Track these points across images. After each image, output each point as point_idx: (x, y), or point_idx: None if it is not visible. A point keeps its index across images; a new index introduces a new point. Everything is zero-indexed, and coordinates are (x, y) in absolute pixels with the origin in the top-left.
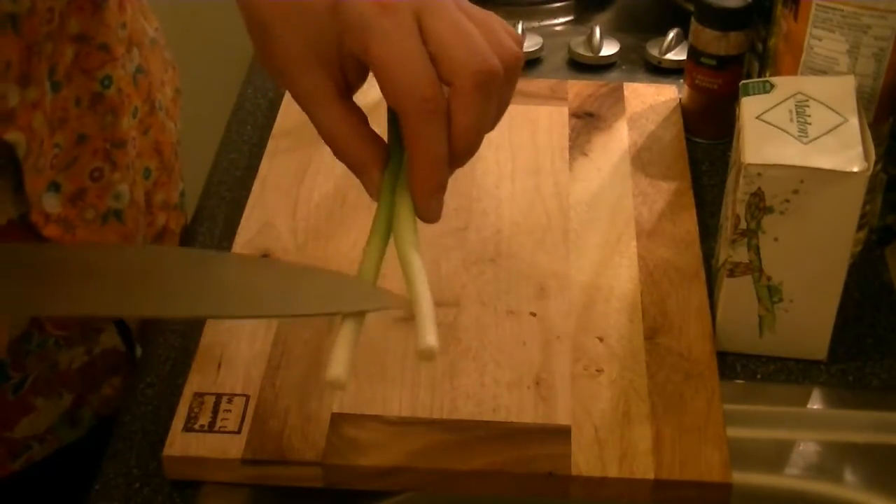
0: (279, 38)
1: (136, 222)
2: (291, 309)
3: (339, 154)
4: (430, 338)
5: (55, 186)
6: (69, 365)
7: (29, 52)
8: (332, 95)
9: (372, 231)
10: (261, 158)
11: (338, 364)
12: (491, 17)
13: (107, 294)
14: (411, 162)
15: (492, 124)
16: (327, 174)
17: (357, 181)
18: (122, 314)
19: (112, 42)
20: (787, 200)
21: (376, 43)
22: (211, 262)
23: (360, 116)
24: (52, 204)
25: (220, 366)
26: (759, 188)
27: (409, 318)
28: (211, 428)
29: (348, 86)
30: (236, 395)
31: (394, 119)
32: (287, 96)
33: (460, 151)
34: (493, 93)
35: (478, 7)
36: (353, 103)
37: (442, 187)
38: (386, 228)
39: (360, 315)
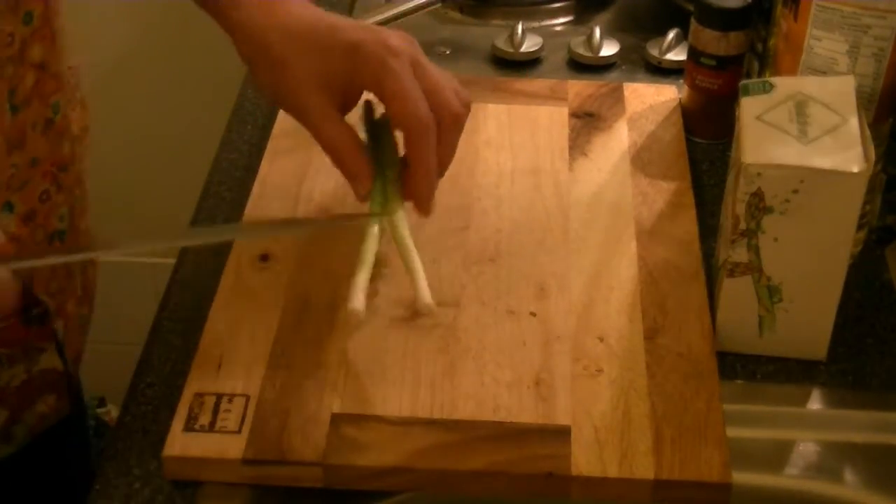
0: (294, 71)
1: (76, 243)
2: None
3: (340, 163)
4: (425, 296)
5: (9, 206)
6: (8, 382)
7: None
8: (337, 116)
9: (367, 225)
10: (261, 158)
11: (356, 298)
12: (444, 71)
13: None
14: (414, 171)
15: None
16: (327, 174)
17: None
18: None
19: (63, 72)
20: (787, 200)
21: (391, 80)
22: None
23: (355, 134)
24: (6, 223)
25: (220, 366)
26: (759, 188)
27: (409, 318)
28: (211, 428)
29: (344, 111)
30: (236, 395)
31: (374, 138)
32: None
33: (443, 167)
34: (461, 128)
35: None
36: (349, 124)
37: (434, 189)
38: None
39: (371, 258)
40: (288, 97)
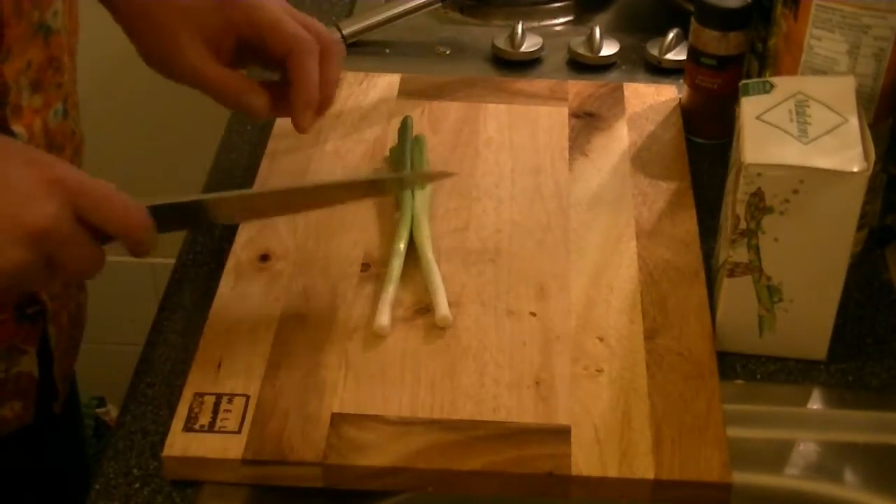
0: (169, 27)
1: None
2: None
3: (233, 93)
4: (443, 308)
5: None
6: None
7: (49, 64)
8: (216, 63)
9: (396, 235)
10: (261, 158)
11: (383, 315)
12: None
13: None
14: (295, 88)
15: (337, 83)
16: (327, 174)
17: None
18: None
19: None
20: (787, 200)
21: (263, 14)
22: None
23: (240, 73)
24: None
25: (220, 366)
26: (759, 188)
27: (409, 318)
28: (211, 428)
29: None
30: (236, 395)
31: (404, 152)
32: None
33: (328, 95)
34: (338, 60)
35: None
36: (232, 69)
37: (313, 106)
38: (408, 231)
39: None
40: (164, 51)
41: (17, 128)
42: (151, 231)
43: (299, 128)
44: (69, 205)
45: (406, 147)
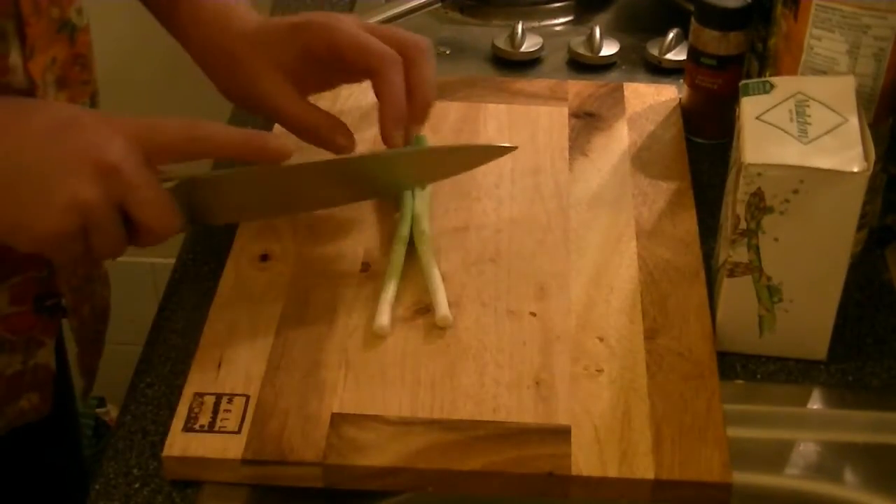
0: (249, 64)
1: None
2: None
3: (313, 129)
4: (443, 309)
5: None
6: (4, 369)
7: (74, 61)
8: (296, 94)
9: (396, 235)
10: None
11: (383, 315)
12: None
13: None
14: (381, 106)
15: (434, 86)
16: None
17: None
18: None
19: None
20: (787, 200)
21: (340, 35)
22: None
23: (319, 108)
24: None
25: (220, 366)
26: (759, 188)
27: (409, 318)
28: (211, 428)
29: (305, 91)
30: (236, 395)
31: None
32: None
33: (422, 101)
34: (429, 60)
35: None
36: (310, 102)
37: (402, 122)
38: (408, 230)
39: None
40: (247, 90)
41: None
42: (225, 129)
43: (389, 144)
44: (139, 148)
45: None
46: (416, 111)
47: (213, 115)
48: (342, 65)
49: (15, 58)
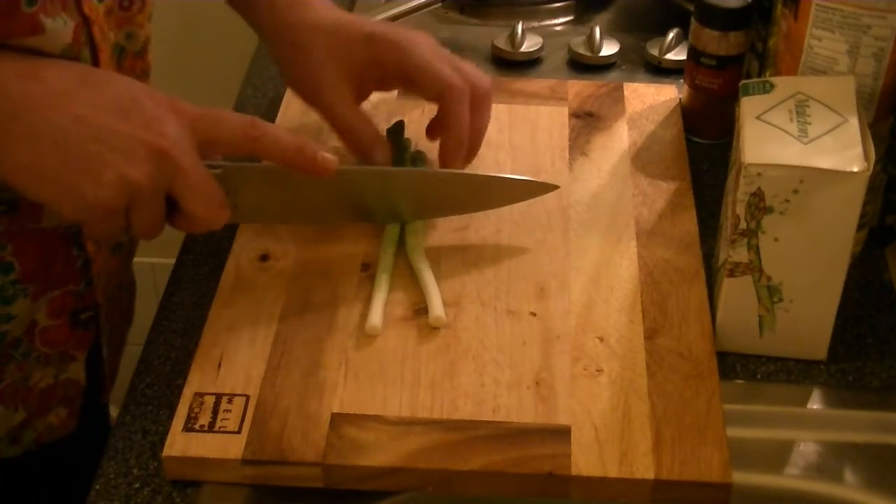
0: (316, 57)
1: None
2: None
3: (356, 139)
4: (437, 309)
5: None
6: (37, 382)
7: None
8: (350, 98)
9: (385, 236)
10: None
11: (375, 315)
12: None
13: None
14: (446, 134)
15: (485, 129)
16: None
17: None
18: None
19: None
20: (787, 200)
21: (414, 56)
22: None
23: (367, 115)
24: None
25: (220, 366)
26: (759, 188)
27: (409, 318)
28: (211, 428)
29: (359, 100)
30: (236, 395)
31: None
32: (287, 96)
33: (476, 142)
34: (489, 103)
35: None
36: (361, 109)
37: (463, 153)
38: (397, 231)
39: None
40: (308, 85)
41: None
42: (279, 133)
43: (452, 165)
44: (189, 130)
45: (400, 152)
46: (469, 153)
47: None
48: (410, 85)
49: None
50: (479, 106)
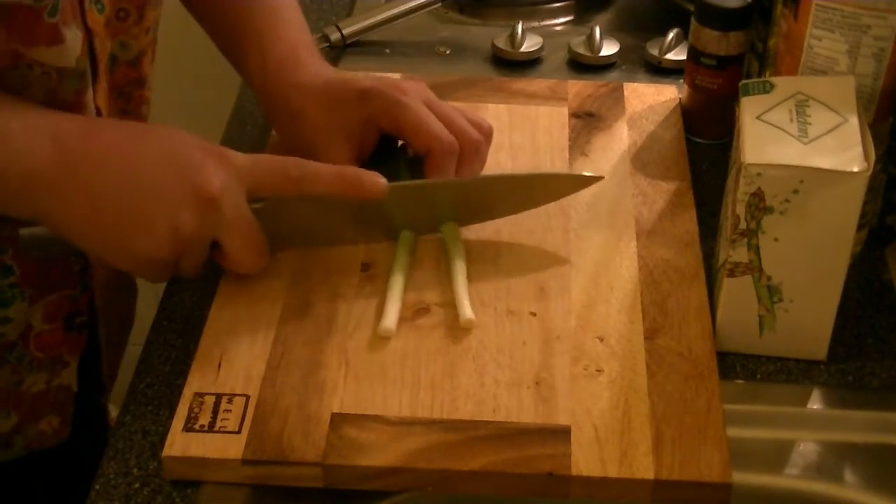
0: (311, 119)
1: None
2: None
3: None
4: (466, 312)
5: None
6: (30, 387)
7: (110, 92)
8: (351, 158)
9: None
10: None
11: (389, 318)
12: (461, 107)
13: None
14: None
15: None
16: None
17: None
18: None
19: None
20: (787, 200)
21: (406, 113)
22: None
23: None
24: None
25: (220, 366)
26: (759, 188)
27: (410, 318)
28: (211, 428)
29: (362, 150)
30: (236, 395)
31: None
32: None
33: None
34: (481, 154)
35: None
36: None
37: None
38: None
39: (403, 277)
40: (305, 145)
41: None
42: (322, 170)
43: None
44: (237, 179)
45: (394, 155)
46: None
47: (211, 117)
48: (404, 139)
49: (90, 94)
50: (465, 161)
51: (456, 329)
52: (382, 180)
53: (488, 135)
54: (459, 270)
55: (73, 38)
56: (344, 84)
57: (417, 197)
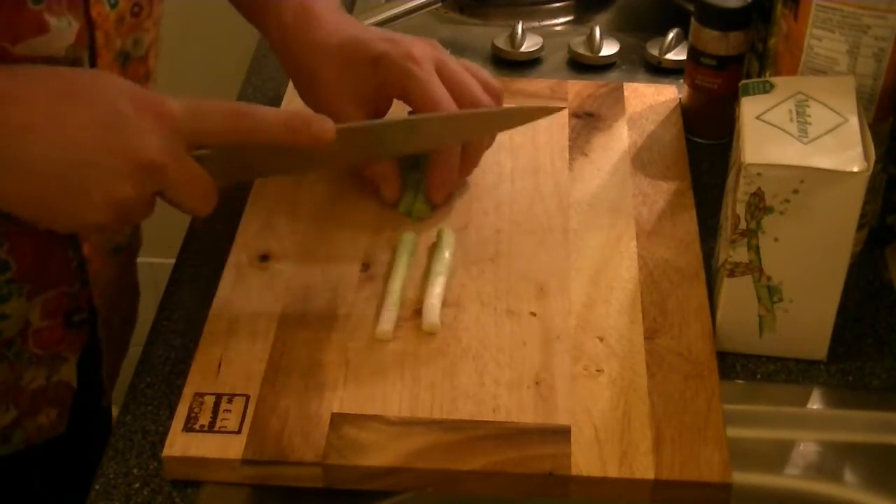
0: (326, 84)
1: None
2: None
3: (369, 170)
4: (431, 317)
5: None
6: (29, 383)
7: None
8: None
9: (402, 242)
10: None
11: (386, 321)
12: (472, 65)
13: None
14: (432, 164)
15: (489, 143)
16: (327, 174)
17: (357, 181)
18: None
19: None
20: (787, 200)
21: (415, 85)
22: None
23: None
24: None
25: (220, 366)
26: (759, 188)
27: (410, 318)
28: (211, 428)
29: (376, 115)
30: (236, 395)
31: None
32: (287, 96)
33: (471, 161)
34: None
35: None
36: None
37: (448, 187)
38: (413, 243)
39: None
40: (318, 103)
41: None
42: (269, 113)
43: (431, 200)
44: (176, 134)
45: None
46: (465, 165)
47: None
48: (412, 107)
49: None
50: None
51: (456, 329)
52: (330, 125)
53: (498, 96)
54: (437, 275)
55: (64, 27)
56: (357, 47)
57: (368, 137)
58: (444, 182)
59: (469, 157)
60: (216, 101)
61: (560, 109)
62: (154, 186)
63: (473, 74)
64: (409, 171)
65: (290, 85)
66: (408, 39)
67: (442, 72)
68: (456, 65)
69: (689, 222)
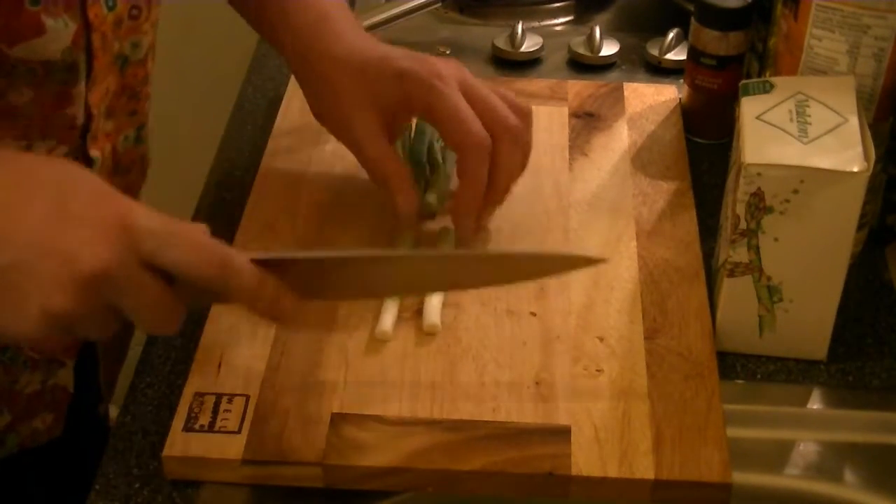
0: (346, 97)
1: None
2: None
3: (383, 178)
4: (431, 317)
5: None
6: (24, 387)
7: (122, 92)
8: (382, 138)
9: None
10: (261, 158)
11: (386, 322)
12: (498, 87)
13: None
14: (461, 189)
15: (520, 168)
16: (327, 174)
17: (357, 181)
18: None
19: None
20: (787, 200)
21: (440, 102)
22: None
23: (398, 155)
24: None
25: (220, 366)
26: (759, 188)
27: (410, 318)
28: (211, 428)
29: (391, 138)
30: (236, 395)
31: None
32: (287, 96)
33: (501, 186)
34: (521, 140)
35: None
36: (392, 147)
37: (476, 211)
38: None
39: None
40: (337, 120)
41: (94, 152)
42: (245, 274)
43: (458, 227)
44: (132, 250)
45: (423, 145)
46: (494, 195)
47: (212, 117)
48: (436, 127)
49: (80, 88)
50: (504, 149)
51: (456, 329)
52: (300, 309)
53: (527, 118)
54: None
55: (60, 29)
56: (382, 61)
57: (391, 268)
58: (468, 210)
59: (497, 182)
60: (191, 229)
61: (603, 261)
62: (102, 301)
63: (501, 97)
64: (414, 168)
65: (290, 85)
66: (433, 59)
67: (469, 93)
68: (483, 86)
69: (689, 222)
